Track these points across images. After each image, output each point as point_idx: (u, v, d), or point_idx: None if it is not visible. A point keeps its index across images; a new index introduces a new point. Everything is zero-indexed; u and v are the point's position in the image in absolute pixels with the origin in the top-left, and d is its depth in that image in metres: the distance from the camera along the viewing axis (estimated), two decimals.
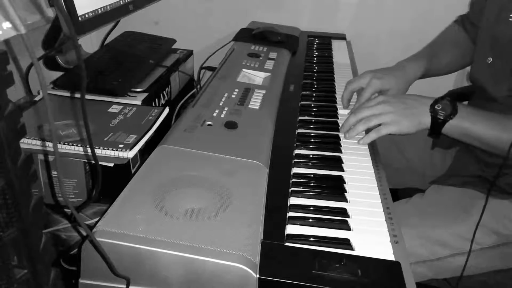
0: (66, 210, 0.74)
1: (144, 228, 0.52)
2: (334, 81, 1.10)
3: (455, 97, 0.87)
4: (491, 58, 0.97)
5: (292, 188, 0.68)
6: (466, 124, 0.81)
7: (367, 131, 0.84)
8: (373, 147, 0.83)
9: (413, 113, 0.82)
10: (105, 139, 0.74)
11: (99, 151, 0.71)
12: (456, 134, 0.83)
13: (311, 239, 0.58)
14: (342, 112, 0.95)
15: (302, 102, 0.98)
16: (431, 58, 1.10)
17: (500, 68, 0.94)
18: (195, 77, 1.28)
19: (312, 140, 0.83)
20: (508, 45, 0.92)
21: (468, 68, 1.11)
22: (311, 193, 0.68)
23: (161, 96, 1.02)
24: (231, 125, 0.79)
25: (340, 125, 0.88)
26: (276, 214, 0.62)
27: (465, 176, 0.97)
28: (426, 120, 0.82)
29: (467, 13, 1.15)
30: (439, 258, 0.89)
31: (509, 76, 0.92)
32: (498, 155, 0.84)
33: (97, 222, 0.54)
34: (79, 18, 0.83)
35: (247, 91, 0.94)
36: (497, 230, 0.89)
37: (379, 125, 0.82)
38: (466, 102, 1.12)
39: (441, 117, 0.81)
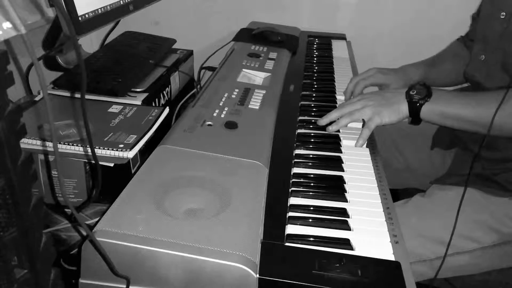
0: (66, 210, 0.74)
1: (144, 228, 0.52)
2: (334, 81, 1.10)
3: None
4: (483, 56, 0.99)
5: (292, 188, 0.68)
6: (442, 104, 0.84)
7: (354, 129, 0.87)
8: (373, 147, 0.83)
9: (392, 103, 0.86)
10: (105, 139, 0.74)
11: (99, 151, 0.71)
12: (434, 117, 0.85)
13: (311, 239, 0.58)
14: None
15: (302, 102, 0.98)
16: (431, 66, 1.16)
17: (493, 64, 0.96)
18: (195, 77, 1.29)
19: (312, 140, 0.83)
20: (499, 41, 0.94)
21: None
22: (311, 193, 0.68)
23: (161, 96, 1.02)
24: (231, 125, 0.79)
25: None
26: (276, 214, 0.62)
27: (465, 175, 0.97)
28: (404, 107, 0.85)
29: (467, 32, 1.19)
30: (439, 257, 0.89)
31: (501, 70, 0.93)
32: (500, 144, 0.85)
33: (97, 222, 0.54)
34: (79, 18, 0.83)
35: (247, 91, 0.94)
36: (497, 228, 0.90)
37: (364, 122, 0.86)
38: None
39: (416, 100, 0.84)
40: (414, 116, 0.85)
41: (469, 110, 0.83)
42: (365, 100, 0.88)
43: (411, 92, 0.85)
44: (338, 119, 0.87)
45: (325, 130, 0.87)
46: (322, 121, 0.88)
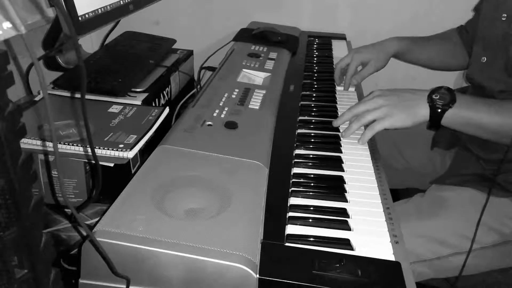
0: (66, 210, 0.74)
1: (144, 228, 0.52)
2: (334, 81, 1.10)
3: None
4: (485, 58, 0.98)
5: (292, 188, 0.68)
6: (467, 111, 0.79)
7: (365, 127, 0.84)
8: (373, 147, 0.83)
9: (409, 105, 0.80)
10: (105, 139, 0.74)
11: (99, 151, 0.71)
12: (457, 124, 0.80)
13: (311, 239, 0.58)
14: (342, 112, 0.95)
15: (302, 102, 0.98)
16: (416, 42, 1.16)
17: (495, 66, 0.95)
18: (195, 77, 1.28)
19: (312, 140, 0.83)
20: (501, 43, 0.93)
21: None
22: (311, 193, 0.68)
23: (161, 96, 1.02)
24: (231, 125, 0.79)
25: (340, 125, 0.88)
26: (276, 214, 0.62)
27: (465, 175, 0.97)
28: (423, 112, 0.79)
29: (466, 22, 1.18)
30: (439, 257, 0.89)
31: (503, 73, 0.93)
32: (500, 145, 0.83)
33: (97, 222, 0.54)
34: (79, 18, 0.83)
35: (247, 91, 0.94)
36: (497, 228, 0.90)
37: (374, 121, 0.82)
38: None
39: (440, 106, 0.78)
40: (435, 121, 0.80)
41: (496, 119, 0.78)
42: (379, 98, 0.82)
43: (434, 96, 0.79)
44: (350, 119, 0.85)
45: (325, 130, 0.87)
46: (336, 123, 0.86)
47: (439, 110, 0.78)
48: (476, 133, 0.83)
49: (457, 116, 0.79)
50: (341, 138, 0.84)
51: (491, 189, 0.85)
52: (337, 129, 0.87)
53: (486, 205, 0.82)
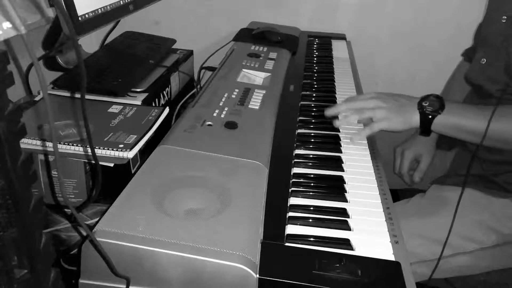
0: (66, 210, 0.74)
1: (144, 228, 0.52)
2: (334, 81, 1.10)
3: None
4: (485, 59, 0.99)
5: (292, 188, 0.68)
6: (456, 117, 0.82)
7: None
8: (373, 148, 0.83)
9: (405, 111, 0.83)
10: (105, 139, 0.74)
11: (99, 151, 0.71)
12: (447, 129, 0.83)
13: (311, 239, 0.58)
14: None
15: (302, 102, 0.98)
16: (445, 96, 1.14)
17: (494, 67, 0.95)
18: (195, 77, 1.28)
19: (312, 140, 0.83)
20: (501, 45, 0.94)
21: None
22: (311, 193, 0.68)
23: (161, 96, 1.02)
24: (231, 125, 0.79)
25: (340, 125, 0.88)
26: (276, 214, 0.62)
27: (465, 175, 0.97)
28: (415, 118, 0.83)
29: (472, 44, 1.18)
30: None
31: (503, 73, 0.93)
32: (496, 148, 0.83)
33: (97, 222, 0.54)
34: (79, 18, 0.83)
35: (247, 91, 0.94)
36: (497, 229, 0.90)
37: (371, 121, 0.83)
38: None
39: (429, 112, 0.82)
40: (425, 127, 0.83)
41: (484, 124, 0.79)
42: (379, 100, 0.84)
43: (423, 103, 0.83)
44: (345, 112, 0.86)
45: (325, 130, 0.87)
46: (329, 112, 0.87)
47: (429, 117, 0.82)
48: (467, 139, 0.85)
49: (446, 121, 0.82)
50: (342, 138, 0.84)
51: (491, 189, 0.85)
52: (337, 129, 0.87)
53: (485, 205, 0.82)
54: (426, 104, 0.83)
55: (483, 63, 0.99)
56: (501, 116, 0.79)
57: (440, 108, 0.82)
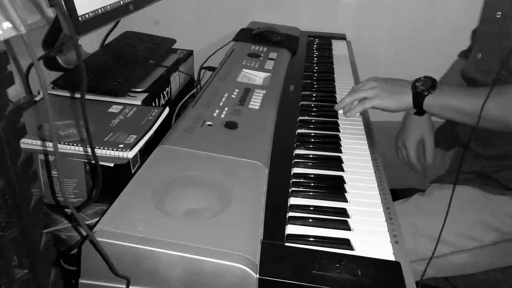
0: (66, 210, 0.74)
1: (144, 228, 0.52)
2: (334, 81, 1.10)
3: None
4: (480, 54, 1.00)
5: (292, 188, 0.68)
6: (446, 96, 0.87)
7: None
8: (374, 148, 0.83)
9: (397, 91, 0.90)
10: (105, 139, 0.75)
11: (99, 151, 0.71)
12: (436, 108, 0.88)
13: (311, 239, 0.58)
14: (342, 112, 0.95)
15: (302, 102, 0.98)
16: None
17: (489, 62, 0.97)
18: (195, 77, 1.29)
19: (312, 140, 0.83)
20: (496, 40, 0.95)
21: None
22: (311, 193, 0.68)
23: (161, 96, 1.02)
24: (231, 125, 0.79)
25: (340, 125, 0.89)
26: (276, 214, 0.62)
27: (464, 173, 0.97)
28: (408, 98, 0.89)
29: (468, 47, 1.19)
30: (439, 256, 0.89)
31: (498, 67, 0.94)
32: (498, 140, 0.86)
33: (97, 222, 0.54)
34: (79, 18, 0.83)
35: (247, 91, 0.94)
36: (497, 227, 0.90)
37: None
38: None
39: (421, 91, 0.87)
40: (417, 106, 0.88)
41: (470, 102, 0.84)
42: (374, 82, 0.92)
43: (416, 84, 0.89)
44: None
45: (325, 130, 0.87)
46: (338, 107, 0.94)
47: (421, 96, 0.87)
48: (454, 118, 0.89)
49: (436, 101, 0.87)
50: (342, 139, 0.84)
51: (491, 187, 0.86)
52: (337, 129, 0.87)
53: (484, 203, 0.82)
54: (419, 84, 0.88)
55: (479, 58, 1.00)
56: (494, 94, 0.82)
57: (431, 88, 0.87)
